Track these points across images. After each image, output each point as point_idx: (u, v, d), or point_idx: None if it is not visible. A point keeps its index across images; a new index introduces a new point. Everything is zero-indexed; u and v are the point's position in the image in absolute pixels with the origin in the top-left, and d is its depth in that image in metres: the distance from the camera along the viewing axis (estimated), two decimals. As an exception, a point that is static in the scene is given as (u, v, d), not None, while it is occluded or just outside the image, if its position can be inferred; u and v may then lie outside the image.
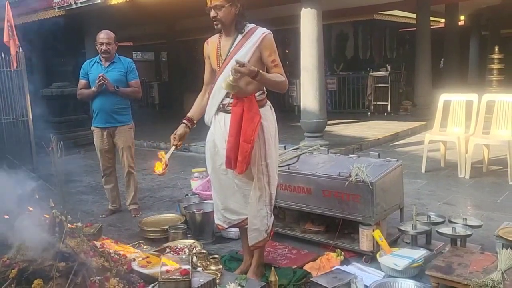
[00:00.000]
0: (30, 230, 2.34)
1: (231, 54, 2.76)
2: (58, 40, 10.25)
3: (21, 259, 2.23)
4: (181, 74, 14.85)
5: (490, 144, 5.58)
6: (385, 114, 11.29)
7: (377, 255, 3.12)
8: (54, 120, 8.45)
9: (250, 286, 2.57)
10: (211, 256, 2.73)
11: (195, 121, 2.97)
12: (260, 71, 2.61)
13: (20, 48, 6.73)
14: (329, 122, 7.45)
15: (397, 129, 8.81)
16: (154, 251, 3.17)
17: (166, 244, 3.46)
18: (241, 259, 3.19)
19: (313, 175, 3.50)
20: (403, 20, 14.32)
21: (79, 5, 8.50)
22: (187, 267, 2.35)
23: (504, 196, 4.69)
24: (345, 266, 3.07)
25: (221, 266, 2.73)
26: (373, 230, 3.18)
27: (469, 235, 3.16)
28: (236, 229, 3.38)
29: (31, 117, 6.87)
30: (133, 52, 18.41)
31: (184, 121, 2.93)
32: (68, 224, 2.48)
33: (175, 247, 3.33)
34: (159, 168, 2.79)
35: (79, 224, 2.91)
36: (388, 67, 12.23)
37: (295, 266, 3.13)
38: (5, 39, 6.65)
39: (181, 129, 2.90)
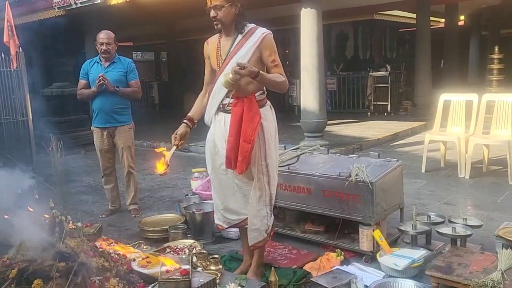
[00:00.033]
0: (30, 230, 2.34)
1: (231, 54, 2.76)
2: (58, 40, 10.25)
3: (21, 259, 2.23)
4: (181, 74, 14.85)
5: (490, 144, 5.58)
6: (385, 114, 11.30)
7: (377, 255, 3.12)
8: (54, 120, 8.45)
9: (250, 286, 2.57)
10: (211, 256, 2.73)
11: (196, 121, 2.97)
12: (260, 71, 2.61)
13: (20, 48, 6.73)
14: (329, 122, 7.45)
15: (397, 129, 8.81)
16: (154, 251, 3.17)
17: (166, 244, 3.46)
18: (241, 259, 3.19)
19: (313, 175, 3.50)
20: (403, 20, 14.33)
21: (79, 5, 8.50)
22: (187, 267, 2.35)
23: (504, 196, 4.69)
24: (345, 266, 3.07)
25: (221, 266, 2.73)
26: (373, 230, 3.18)
27: (469, 235, 3.16)
28: (236, 229, 3.38)
29: (31, 117, 6.87)
30: (133, 52, 18.40)
31: (185, 120, 2.93)
32: (68, 224, 2.49)
33: (175, 247, 3.33)
34: (161, 168, 2.79)
35: (79, 224, 2.92)
36: (388, 67, 12.23)
37: (295, 266, 3.13)
38: (5, 39, 6.65)
39: (182, 128, 2.90)
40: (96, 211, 4.82)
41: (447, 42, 11.54)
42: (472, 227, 3.26)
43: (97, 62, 4.51)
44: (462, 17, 13.62)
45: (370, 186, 3.17)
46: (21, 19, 9.40)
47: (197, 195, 4.50)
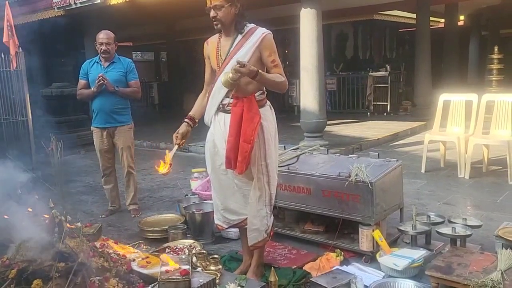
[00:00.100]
0: (29, 230, 2.34)
1: (230, 54, 2.76)
2: (58, 40, 10.25)
3: (20, 259, 2.23)
4: (180, 74, 14.84)
5: (490, 144, 5.58)
6: (385, 114, 11.30)
7: (377, 255, 3.12)
8: (53, 120, 8.44)
9: (249, 286, 2.57)
10: (210, 256, 2.73)
11: (196, 120, 2.98)
12: (260, 71, 2.61)
13: (20, 48, 6.73)
14: (328, 122, 7.45)
15: (396, 129, 8.81)
16: (154, 251, 3.17)
17: (166, 244, 3.46)
18: (240, 259, 3.19)
19: (312, 175, 3.50)
20: (403, 20, 14.33)
21: (78, 5, 8.51)
22: (187, 267, 2.35)
23: (504, 196, 4.69)
24: (344, 266, 3.07)
25: (220, 266, 2.73)
26: (373, 230, 3.18)
27: (469, 235, 3.16)
28: (236, 229, 3.38)
29: (30, 117, 6.87)
30: (133, 52, 18.39)
31: (186, 120, 2.94)
32: (68, 224, 2.49)
33: (174, 247, 3.33)
34: (163, 168, 2.80)
35: (79, 224, 2.92)
36: (388, 67, 12.23)
37: (295, 266, 3.13)
38: (5, 39, 6.65)
39: (183, 128, 2.91)
40: (95, 211, 4.82)
41: (447, 42, 11.54)
42: (472, 227, 3.26)
43: (97, 62, 4.51)
44: (462, 17, 13.61)
45: (370, 186, 3.17)
46: (21, 19, 9.39)
47: (196, 195, 4.50)
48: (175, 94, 14.38)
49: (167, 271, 2.32)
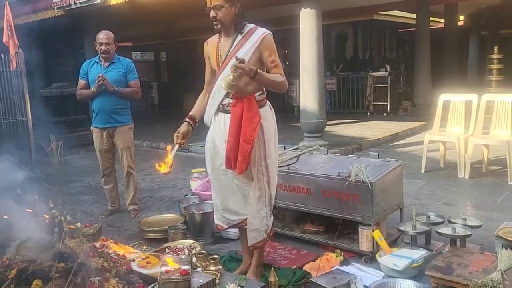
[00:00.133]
0: (29, 231, 2.34)
1: (230, 54, 2.75)
2: (58, 41, 10.25)
3: (20, 259, 2.23)
4: (180, 74, 14.84)
5: (490, 144, 5.58)
6: (385, 114, 11.30)
7: (377, 255, 3.12)
8: (53, 121, 8.44)
9: (249, 286, 2.57)
10: (210, 257, 2.73)
11: (197, 120, 2.98)
12: (259, 70, 2.61)
13: (20, 48, 6.73)
14: (328, 122, 7.45)
15: (396, 129, 8.81)
16: (154, 252, 3.17)
17: (165, 245, 3.46)
18: (240, 260, 3.19)
19: (312, 175, 3.50)
20: (403, 21, 14.33)
21: (78, 5, 8.51)
22: (187, 267, 2.35)
23: (504, 196, 4.70)
24: (344, 266, 3.07)
25: (220, 267, 2.73)
26: (373, 230, 3.18)
27: (469, 235, 3.16)
28: (236, 230, 3.38)
29: (30, 117, 6.87)
30: (133, 53, 18.40)
31: (186, 119, 2.94)
32: (68, 225, 2.48)
33: (174, 248, 3.33)
34: (164, 168, 2.80)
35: (79, 224, 2.91)
36: (388, 67, 12.23)
37: (295, 267, 3.13)
38: (5, 39, 6.65)
39: (184, 127, 2.91)
40: (95, 212, 4.82)
41: (446, 42, 11.55)
42: (472, 227, 3.26)
43: (97, 62, 4.51)
44: (461, 17, 13.61)
45: (369, 186, 3.17)
46: (20, 19, 9.40)
47: (196, 196, 4.50)
48: (175, 94, 14.38)
49: (167, 271, 2.32)
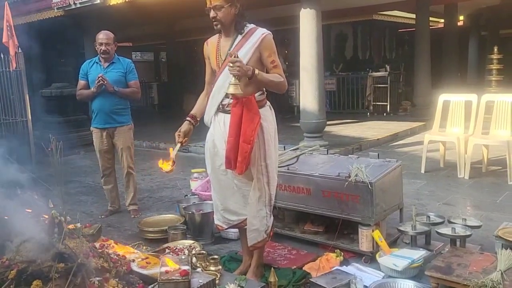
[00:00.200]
0: (29, 231, 2.34)
1: (234, 54, 2.75)
2: (58, 41, 10.25)
3: (20, 260, 2.22)
4: (180, 74, 14.84)
5: (490, 144, 5.58)
6: (385, 114, 11.30)
7: (377, 255, 3.12)
8: (53, 121, 8.45)
9: (249, 286, 2.57)
10: (210, 257, 2.73)
11: (198, 119, 2.98)
12: (257, 71, 2.62)
13: (19, 48, 6.73)
14: (328, 122, 7.45)
15: (396, 130, 8.81)
16: (154, 252, 3.17)
17: (165, 245, 3.46)
18: (240, 260, 3.19)
19: (312, 175, 3.50)
20: (403, 21, 14.33)
21: (78, 5, 8.51)
22: (187, 267, 2.35)
23: (504, 196, 4.70)
24: (344, 266, 3.07)
25: (220, 267, 2.73)
26: (373, 231, 3.18)
27: (469, 236, 3.16)
28: (236, 230, 3.38)
29: (30, 117, 6.87)
30: (133, 53, 18.41)
31: (187, 118, 2.95)
32: (67, 225, 2.48)
33: (174, 248, 3.33)
34: (166, 166, 2.81)
35: (78, 224, 2.91)
36: (388, 67, 12.23)
37: (295, 267, 3.13)
38: (4, 39, 6.65)
39: (185, 126, 2.91)
40: (95, 212, 4.82)
41: (446, 42, 11.55)
42: (472, 227, 3.26)
43: (97, 62, 4.51)
44: (461, 18, 13.61)
45: (369, 186, 3.17)
46: (20, 20, 9.41)
47: (196, 196, 4.50)
48: (175, 94, 14.37)
49: (166, 272, 2.32)
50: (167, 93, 15.12)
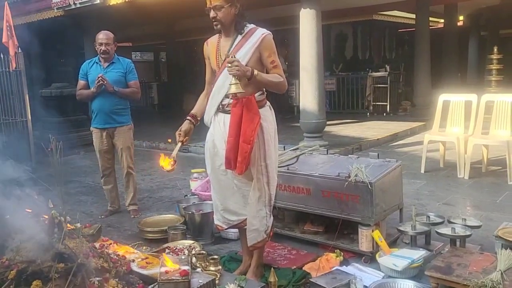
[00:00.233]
0: (29, 231, 2.34)
1: (231, 54, 2.75)
2: (57, 41, 10.25)
3: (20, 260, 2.22)
4: (180, 74, 14.84)
5: (489, 144, 5.58)
6: (384, 114, 11.30)
7: (377, 255, 3.12)
8: (53, 121, 8.44)
9: (249, 286, 2.57)
10: (210, 257, 2.73)
11: (199, 118, 2.99)
12: (257, 71, 2.62)
13: (19, 48, 6.73)
14: (328, 122, 7.45)
15: (396, 130, 8.81)
16: (154, 252, 3.17)
17: (165, 245, 3.46)
18: (240, 260, 3.19)
19: (312, 175, 3.50)
20: (402, 21, 14.33)
21: (78, 5, 8.51)
22: (187, 268, 2.35)
23: (503, 196, 4.70)
24: (344, 266, 3.07)
25: (220, 267, 2.73)
26: (373, 231, 3.18)
27: (469, 236, 3.16)
28: (236, 230, 3.38)
29: (30, 117, 6.87)
30: (132, 53, 18.40)
31: (188, 117, 2.95)
32: (67, 225, 2.48)
33: (174, 248, 3.33)
34: (167, 165, 2.81)
35: (78, 224, 2.91)
36: (387, 67, 12.23)
37: (295, 267, 3.13)
38: (4, 39, 6.65)
39: (185, 125, 2.92)
40: (95, 212, 4.82)
41: (446, 42, 11.55)
42: (472, 227, 3.26)
43: (96, 62, 4.51)
44: (461, 18, 13.61)
45: (369, 186, 3.17)
46: (20, 20, 9.40)
47: (196, 196, 4.49)
48: (175, 94, 14.37)
49: (166, 272, 2.32)
50: (167, 93, 15.12)
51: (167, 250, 3.29)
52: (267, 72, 2.76)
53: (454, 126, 5.70)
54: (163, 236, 3.75)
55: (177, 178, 5.97)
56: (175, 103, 13.94)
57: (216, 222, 3.08)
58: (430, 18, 10.41)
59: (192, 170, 5.11)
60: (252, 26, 2.81)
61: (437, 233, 3.24)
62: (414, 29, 10.71)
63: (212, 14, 2.72)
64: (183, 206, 4.12)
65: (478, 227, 3.38)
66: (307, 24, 6.60)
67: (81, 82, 4.53)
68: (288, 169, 3.64)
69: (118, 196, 4.78)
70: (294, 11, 7.25)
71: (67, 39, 9.96)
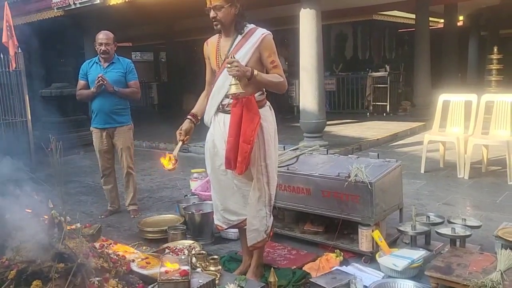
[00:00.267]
0: (29, 231, 2.34)
1: (230, 54, 2.75)
2: (57, 41, 10.24)
3: (20, 260, 2.22)
4: (180, 74, 14.85)
5: (489, 144, 5.58)
6: (384, 114, 11.30)
7: (377, 255, 3.12)
8: (53, 121, 8.44)
9: (249, 286, 2.58)
10: (210, 257, 2.73)
11: (199, 118, 2.99)
12: (257, 71, 2.62)
13: (19, 48, 6.73)
14: (328, 122, 7.45)
15: (396, 130, 8.81)
16: (154, 252, 3.17)
17: (165, 245, 3.46)
18: (240, 260, 3.19)
19: (312, 175, 3.50)
20: (402, 21, 14.33)
21: (78, 5, 8.50)
22: (186, 268, 2.35)
23: (503, 196, 4.70)
24: (344, 266, 3.07)
25: (220, 267, 2.73)
26: (372, 231, 3.18)
27: (468, 236, 3.16)
28: (236, 230, 3.38)
29: (30, 117, 6.87)
30: (132, 53, 18.40)
31: (188, 116, 2.96)
32: (67, 225, 2.48)
33: (174, 248, 3.33)
34: (168, 164, 2.81)
35: (78, 225, 2.91)
36: (387, 67, 12.23)
37: (295, 267, 3.13)
38: (4, 39, 6.65)
39: (186, 124, 2.92)
40: (95, 212, 4.82)
41: (446, 42, 11.54)
42: (471, 227, 3.26)
43: (96, 62, 4.51)
44: (461, 18, 13.61)
45: (369, 186, 3.17)
46: (20, 20, 9.40)
47: (196, 196, 4.49)
48: (175, 94, 14.37)
49: (166, 272, 2.32)
50: (167, 93, 15.12)
51: (167, 250, 3.29)
52: (267, 72, 2.76)
53: (454, 126, 5.71)
54: (163, 236, 3.75)
55: (177, 178, 5.97)
56: (175, 103, 13.95)
57: (216, 222, 3.08)
58: (430, 18, 10.41)
59: (192, 170, 5.11)
60: (252, 26, 2.81)
61: (437, 233, 3.24)
62: (414, 29, 10.71)
63: (212, 14, 2.72)
64: (183, 206, 4.12)
65: (478, 227, 3.38)
66: (307, 24, 6.60)
67: (81, 82, 4.53)
68: (288, 169, 3.64)
69: (118, 196, 4.78)
70: (294, 11, 7.25)
71: (67, 39, 9.95)
